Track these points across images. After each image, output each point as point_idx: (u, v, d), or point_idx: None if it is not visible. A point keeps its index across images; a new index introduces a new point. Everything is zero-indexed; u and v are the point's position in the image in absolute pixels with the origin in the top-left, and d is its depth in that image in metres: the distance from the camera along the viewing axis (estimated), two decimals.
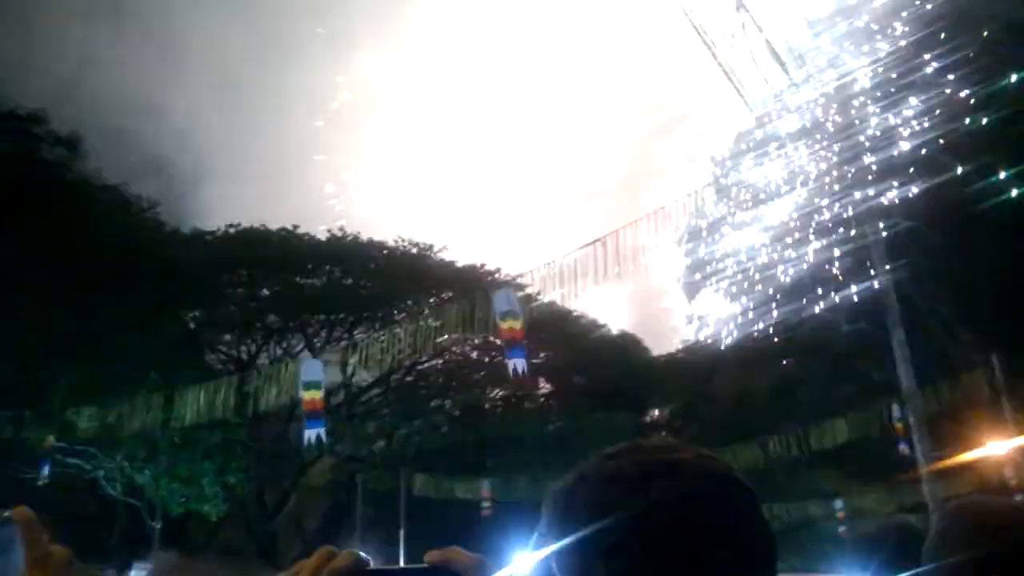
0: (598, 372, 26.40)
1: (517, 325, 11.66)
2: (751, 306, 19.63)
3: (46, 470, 17.58)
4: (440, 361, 22.91)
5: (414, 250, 25.42)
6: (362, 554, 0.80)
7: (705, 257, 21.46)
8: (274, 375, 14.46)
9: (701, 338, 24.63)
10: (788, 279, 18.13)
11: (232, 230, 24.39)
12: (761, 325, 19.33)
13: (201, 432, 18.23)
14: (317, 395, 13.69)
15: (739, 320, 20.41)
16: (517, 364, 11.84)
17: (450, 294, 17.96)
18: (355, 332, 22.56)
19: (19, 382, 17.09)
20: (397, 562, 11.01)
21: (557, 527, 0.95)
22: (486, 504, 22.42)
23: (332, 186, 45.21)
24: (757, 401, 25.72)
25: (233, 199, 37.47)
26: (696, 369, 28.25)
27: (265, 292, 23.53)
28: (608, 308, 32.70)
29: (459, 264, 25.60)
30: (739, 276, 19.68)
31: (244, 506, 22.51)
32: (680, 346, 32.46)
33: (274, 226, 24.52)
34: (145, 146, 39.17)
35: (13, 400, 17.19)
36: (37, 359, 17.56)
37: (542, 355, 24.53)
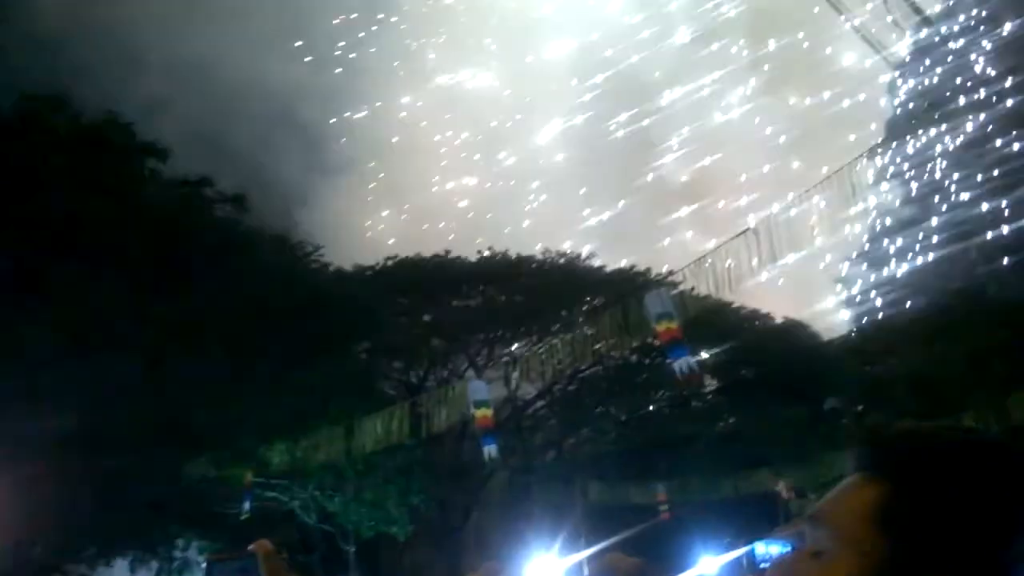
0: (765, 364, 25.45)
1: (674, 325, 11.43)
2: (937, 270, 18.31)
3: (247, 505, 18.98)
4: (600, 368, 22.84)
5: (562, 260, 25.63)
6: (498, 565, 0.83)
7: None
8: (443, 397, 14.98)
9: (871, 316, 23.22)
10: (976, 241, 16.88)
11: (390, 262, 25.53)
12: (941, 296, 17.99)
13: (382, 457, 19.08)
14: (488, 412, 14.07)
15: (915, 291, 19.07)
16: (682, 364, 11.58)
17: (603, 300, 17.90)
18: (514, 347, 22.94)
19: (215, 425, 18.55)
20: (581, 572, 11.07)
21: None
22: (663, 507, 22.10)
23: (476, 209, 46.29)
24: (946, 378, 23.90)
25: (387, 230, 39.13)
26: (873, 350, 26.64)
27: (426, 318, 24.39)
28: (767, 296, 31.47)
29: (608, 269, 25.54)
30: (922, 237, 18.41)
31: (429, 525, 23.33)
32: (852, 327, 30.73)
33: (427, 253, 25.48)
34: (296, 189, 41.69)
35: (211, 442, 18.68)
36: (228, 403, 19.00)
37: (703, 352, 23.97)
